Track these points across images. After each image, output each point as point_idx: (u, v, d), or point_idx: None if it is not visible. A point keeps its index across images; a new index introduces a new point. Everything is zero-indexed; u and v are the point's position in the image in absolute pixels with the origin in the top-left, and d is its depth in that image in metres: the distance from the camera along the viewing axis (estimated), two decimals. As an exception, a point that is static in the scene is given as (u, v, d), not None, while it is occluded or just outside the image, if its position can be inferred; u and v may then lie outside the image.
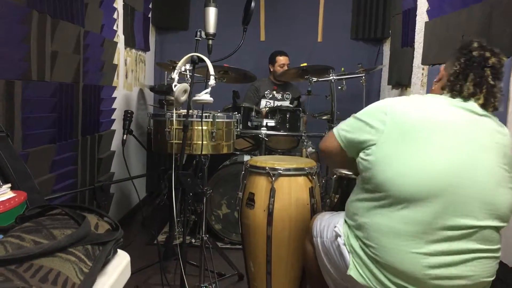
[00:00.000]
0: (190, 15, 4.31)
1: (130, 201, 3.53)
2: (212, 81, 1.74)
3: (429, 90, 1.58)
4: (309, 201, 1.96)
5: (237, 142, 3.10)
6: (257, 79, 3.66)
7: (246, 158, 3.07)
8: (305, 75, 3.15)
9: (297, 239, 1.91)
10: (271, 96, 3.82)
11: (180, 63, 1.83)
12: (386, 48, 4.26)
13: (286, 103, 3.68)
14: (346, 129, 1.44)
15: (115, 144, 2.90)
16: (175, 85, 1.79)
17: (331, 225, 1.55)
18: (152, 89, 2.72)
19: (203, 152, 1.99)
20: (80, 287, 0.69)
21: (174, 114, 1.93)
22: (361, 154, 1.37)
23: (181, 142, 1.86)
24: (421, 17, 3.27)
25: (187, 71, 1.99)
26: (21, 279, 0.64)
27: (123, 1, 3.10)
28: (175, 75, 1.81)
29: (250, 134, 3.12)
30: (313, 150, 3.50)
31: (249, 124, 3.06)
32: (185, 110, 1.88)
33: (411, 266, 1.25)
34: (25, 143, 1.75)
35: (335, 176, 2.16)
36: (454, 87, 1.34)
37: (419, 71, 3.31)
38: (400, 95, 3.75)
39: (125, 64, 3.27)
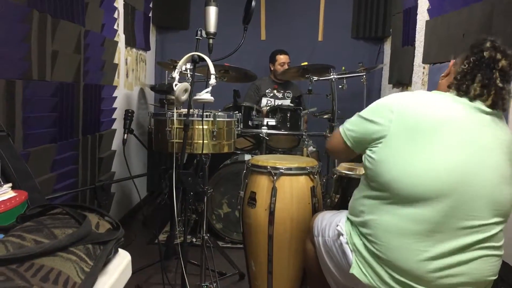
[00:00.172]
0: (190, 14, 4.31)
1: (131, 201, 3.54)
2: (212, 80, 1.74)
3: (432, 87, 1.57)
4: (310, 200, 1.96)
5: (238, 141, 3.10)
6: (258, 78, 3.65)
7: (247, 157, 3.07)
8: (305, 74, 3.15)
9: (299, 239, 1.91)
10: (271, 95, 3.82)
11: (180, 62, 1.83)
12: (387, 47, 4.26)
13: (287, 102, 3.68)
14: (351, 129, 1.43)
15: (116, 144, 2.90)
16: (175, 84, 1.79)
17: (333, 224, 1.55)
18: (152, 88, 2.72)
19: (204, 151, 1.99)
20: (81, 286, 0.69)
21: (175, 113, 1.93)
22: (368, 151, 1.37)
23: (182, 141, 1.86)
24: (422, 16, 3.27)
25: (188, 70, 1.99)
26: (22, 279, 0.64)
27: (124, 0, 3.10)
28: (175, 74, 1.81)
29: (251, 133, 3.12)
30: (314, 149, 3.51)
31: (249, 123, 3.06)
32: (186, 109, 1.88)
33: (416, 264, 1.25)
34: (26, 143, 1.75)
35: (335, 175, 2.16)
36: (461, 87, 1.31)
37: (420, 70, 3.30)
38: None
39: (126, 63, 3.27)
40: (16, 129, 1.67)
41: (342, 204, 2.03)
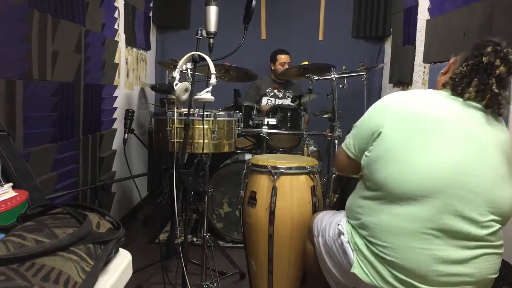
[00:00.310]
0: (191, 14, 4.31)
1: (131, 200, 3.54)
2: (213, 80, 1.74)
3: (433, 86, 1.57)
4: (310, 199, 1.96)
5: (239, 140, 3.10)
6: (258, 77, 3.65)
7: (248, 156, 3.07)
8: (306, 74, 3.14)
9: (299, 238, 1.91)
10: (272, 94, 3.82)
11: (181, 62, 1.83)
12: (388, 46, 4.25)
13: (287, 102, 3.67)
14: (352, 142, 1.46)
15: (117, 143, 2.90)
16: (176, 84, 1.79)
17: (333, 223, 1.55)
18: (153, 88, 2.72)
19: (205, 151, 1.98)
20: (82, 286, 0.69)
21: (176, 113, 1.93)
22: (366, 152, 1.38)
23: (182, 140, 1.86)
24: (423, 15, 3.27)
25: (188, 69, 1.98)
26: (23, 278, 0.64)
27: (124, 0, 3.10)
28: (176, 74, 1.81)
29: (251, 133, 3.12)
30: (315, 148, 3.50)
31: (250, 122, 3.05)
32: (186, 109, 1.88)
33: (418, 263, 1.25)
34: (26, 142, 1.75)
35: (334, 175, 2.16)
36: (456, 88, 1.31)
37: (420, 69, 3.30)
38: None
39: (126, 63, 3.27)
40: (16, 128, 1.67)
41: (340, 204, 2.03)
